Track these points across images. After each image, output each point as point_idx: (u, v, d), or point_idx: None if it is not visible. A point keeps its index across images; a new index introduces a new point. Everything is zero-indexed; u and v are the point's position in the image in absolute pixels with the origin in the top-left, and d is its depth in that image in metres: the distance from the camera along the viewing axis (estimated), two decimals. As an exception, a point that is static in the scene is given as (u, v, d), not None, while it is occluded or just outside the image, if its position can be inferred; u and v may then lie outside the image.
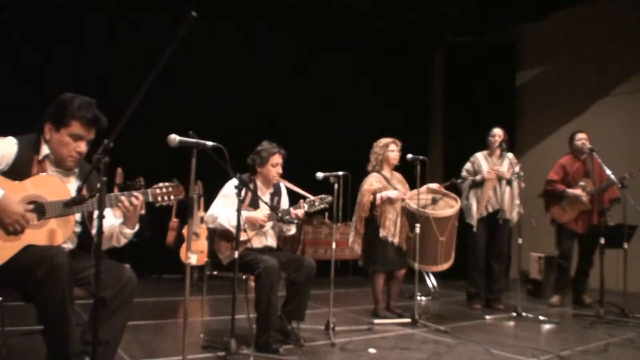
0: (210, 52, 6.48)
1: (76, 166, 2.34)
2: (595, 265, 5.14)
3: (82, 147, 2.25)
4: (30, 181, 2.16)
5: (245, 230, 3.14)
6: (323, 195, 3.53)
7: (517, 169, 4.95)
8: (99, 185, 1.92)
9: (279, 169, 3.56)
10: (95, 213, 2.24)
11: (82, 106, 2.21)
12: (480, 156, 5.22)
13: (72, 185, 2.32)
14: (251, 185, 3.50)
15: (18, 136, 2.23)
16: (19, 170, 2.17)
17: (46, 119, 2.24)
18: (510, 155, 5.13)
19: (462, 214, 4.97)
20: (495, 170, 5.02)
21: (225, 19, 6.53)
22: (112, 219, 2.41)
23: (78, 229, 2.33)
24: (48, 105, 2.27)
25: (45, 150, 2.25)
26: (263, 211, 3.38)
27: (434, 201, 4.54)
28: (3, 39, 5.20)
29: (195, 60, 6.16)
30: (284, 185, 3.85)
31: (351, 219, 4.63)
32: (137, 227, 2.38)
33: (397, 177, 4.57)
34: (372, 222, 4.39)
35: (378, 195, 4.32)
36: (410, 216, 4.40)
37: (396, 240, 4.35)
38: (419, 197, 4.27)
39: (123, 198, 2.24)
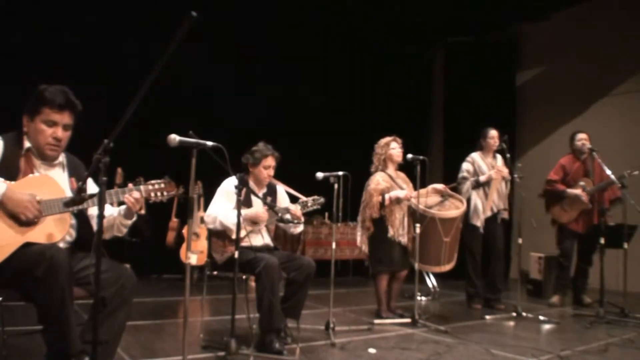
0: (210, 51, 6.47)
1: (58, 155, 2.33)
2: (595, 265, 5.14)
3: (58, 132, 2.24)
4: (24, 181, 2.17)
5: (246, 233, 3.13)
6: (316, 197, 3.54)
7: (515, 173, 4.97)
8: (98, 185, 1.92)
9: (271, 171, 3.56)
10: (95, 212, 2.24)
11: (52, 92, 2.23)
12: (477, 157, 5.21)
13: (57, 175, 2.32)
14: None
15: (1, 135, 2.25)
16: (7, 167, 2.17)
17: (23, 112, 2.27)
18: (499, 156, 5.19)
19: (465, 214, 4.96)
20: (500, 172, 5.03)
21: (225, 17, 6.53)
22: (110, 209, 2.43)
23: (74, 221, 2.33)
24: None
25: (27, 144, 2.26)
26: (259, 207, 3.39)
27: (442, 201, 4.53)
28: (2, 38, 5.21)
29: (195, 59, 6.16)
30: (281, 187, 3.85)
31: (352, 219, 4.61)
32: (135, 216, 2.41)
33: (402, 177, 4.54)
34: (379, 223, 4.33)
35: (387, 196, 4.26)
36: (412, 216, 4.37)
37: (404, 240, 4.33)
38: (428, 197, 4.24)
39: (127, 196, 2.28)
